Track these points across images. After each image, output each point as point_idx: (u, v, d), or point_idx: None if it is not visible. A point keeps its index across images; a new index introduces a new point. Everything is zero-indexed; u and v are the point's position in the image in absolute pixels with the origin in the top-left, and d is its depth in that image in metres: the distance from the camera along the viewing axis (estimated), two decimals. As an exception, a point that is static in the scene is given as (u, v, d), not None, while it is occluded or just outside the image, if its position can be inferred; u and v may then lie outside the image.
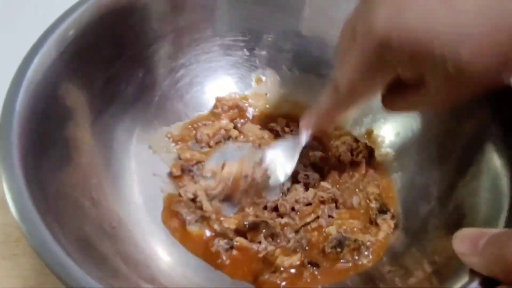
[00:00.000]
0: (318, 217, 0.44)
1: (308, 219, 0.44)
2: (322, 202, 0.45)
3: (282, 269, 0.40)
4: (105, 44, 0.42)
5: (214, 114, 0.52)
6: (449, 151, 0.43)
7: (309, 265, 0.41)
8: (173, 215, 0.44)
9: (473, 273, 0.30)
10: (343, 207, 0.46)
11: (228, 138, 0.51)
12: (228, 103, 0.52)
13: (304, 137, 0.44)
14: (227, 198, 0.45)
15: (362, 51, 0.33)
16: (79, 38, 0.39)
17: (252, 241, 0.43)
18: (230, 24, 0.50)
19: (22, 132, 0.33)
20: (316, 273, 0.41)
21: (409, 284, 0.36)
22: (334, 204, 0.45)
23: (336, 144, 0.51)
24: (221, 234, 0.43)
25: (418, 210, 0.43)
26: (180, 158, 0.48)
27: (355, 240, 0.42)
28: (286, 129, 0.52)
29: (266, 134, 0.51)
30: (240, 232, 0.43)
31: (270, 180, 0.45)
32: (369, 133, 0.51)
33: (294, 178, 0.48)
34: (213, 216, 0.44)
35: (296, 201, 0.45)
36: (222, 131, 0.51)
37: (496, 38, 0.28)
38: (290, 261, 0.41)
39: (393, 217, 0.44)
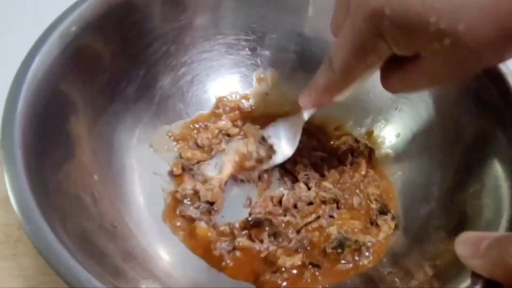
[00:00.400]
0: (319, 217, 0.44)
1: (309, 219, 0.44)
2: (323, 202, 0.45)
3: (283, 269, 0.40)
4: (107, 42, 0.42)
5: (214, 115, 0.51)
6: (451, 154, 0.43)
7: (310, 266, 0.41)
8: (177, 214, 0.44)
9: (475, 276, 0.31)
10: (344, 208, 0.46)
11: (227, 135, 0.51)
12: (229, 104, 0.52)
13: (305, 114, 0.44)
14: (233, 177, 0.46)
15: (354, 25, 0.32)
16: (82, 35, 0.39)
17: (255, 238, 0.43)
18: (233, 23, 0.50)
19: (24, 129, 0.33)
20: (317, 273, 0.41)
21: (410, 286, 0.36)
22: (335, 205, 0.45)
23: (336, 144, 0.51)
24: (226, 234, 0.43)
25: (418, 211, 0.43)
26: (181, 157, 0.48)
27: (356, 241, 0.42)
28: None
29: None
30: (243, 228, 0.44)
31: (275, 156, 0.46)
32: (370, 133, 0.51)
33: (294, 177, 0.48)
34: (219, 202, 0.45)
35: (299, 198, 0.45)
36: (222, 132, 0.51)
37: (496, 7, 0.27)
38: (292, 262, 0.41)
39: (393, 218, 0.45)
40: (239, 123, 0.52)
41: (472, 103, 0.42)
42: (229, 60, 0.52)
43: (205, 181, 0.46)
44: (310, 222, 0.44)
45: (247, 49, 0.52)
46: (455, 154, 0.43)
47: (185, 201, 0.45)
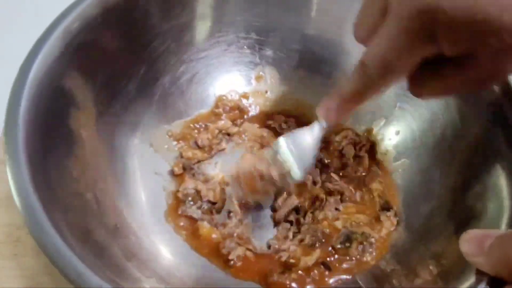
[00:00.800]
0: (322, 207, 0.45)
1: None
2: (329, 193, 0.45)
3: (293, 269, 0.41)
4: (108, 39, 0.42)
5: (214, 114, 0.51)
6: (451, 152, 0.44)
7: (322, 266, 0.41)
8: (179, 214, 0.44)
9: (479, 274, 0.31)
10: (348, 200, 0.46)
11: (227, 135, 0.51)
12: (229, 104, 0.52)
13: (322, 126, 0.39)
14: (241, 199, 0.44)
15: (402, 23, 0.28)
16: (84, 31, 0.39)
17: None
18: (233, 21, 0.50)
19: (27, 126, 0.33)
20: (326, 273, 0.41)
21: (414, 284, 0.36)
22: (339, 197, 0.46)
23: (336, 138, 0.50)
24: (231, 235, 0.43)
25: (419, 209, 0.44)
26: (182, 157, 0.48)
27: (362, 233, 0.42)
28: (284, 125, 0.52)
29: (265, 133, 0.51)
30: None
31: (288, 177, 0.40)
32: (369, 131, 0.51)
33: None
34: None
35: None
36: (222, 132, 0.51)
37: None
38: (312, 259, 0.41)
39: (396, 214, 0.45)
40: (239, 122, 0.52)
41: (472, 102, 0.42)
42: (228, 58, 0.52)
43: (206, 180, 0.46)
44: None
45: (246, 47, 0.52)
46: (456, 152, 0.43)
47: (186, 200, 0.45)
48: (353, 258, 0.42)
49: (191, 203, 0.45)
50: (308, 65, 0.52)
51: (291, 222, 0.44)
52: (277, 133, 0.51)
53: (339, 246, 0.42)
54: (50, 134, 0.35)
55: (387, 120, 0.50)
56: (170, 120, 0.49)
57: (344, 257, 0.42)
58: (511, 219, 0.35)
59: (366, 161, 0.48)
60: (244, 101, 0.53)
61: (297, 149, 0.40)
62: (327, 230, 0.43)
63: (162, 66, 0.48)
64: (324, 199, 0.45)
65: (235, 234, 0.42)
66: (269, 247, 0.43)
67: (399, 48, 0.29)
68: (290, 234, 0.43)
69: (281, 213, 0.44)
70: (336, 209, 0.45)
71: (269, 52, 0.52)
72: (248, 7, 0.50)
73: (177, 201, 0.45)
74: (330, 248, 0.43)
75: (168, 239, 0.42)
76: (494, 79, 0.31)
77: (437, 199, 0.42)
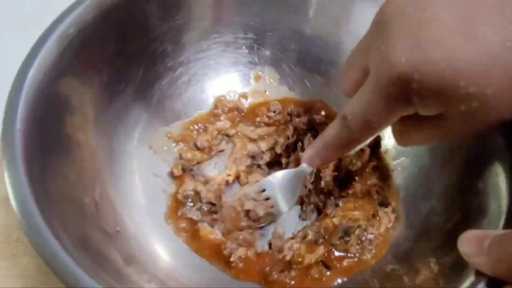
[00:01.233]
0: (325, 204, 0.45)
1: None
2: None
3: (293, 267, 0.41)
4: (104, 43, 0.42)
5: (213, 115, 0.51)
6: (450, 152, 0.43)
7: (321, 265, 0.41)
8: (179, 216, 0.44)
9: (479, 274, 0.31)
10: (346, 194, 0.46)
11: (227, 136, 0.51)
12: (228, 105, 0.52)
13: (307, 169, 0.41)
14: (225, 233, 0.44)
15: (379, 87, 0.31)
16: (80, 36, 0.39)
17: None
18: (231, 21, 0.50)
19: (25, 131, 0.33)
20: (326, 273, 0.41)
21: (417, 282, 0.37)
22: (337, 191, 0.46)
23: None
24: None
25: (419, 207, 0.44)
26: (181, 158, 0.48)
27: (359, 226, 0.42)
28: (271, 114, 0.51)
29: (258, 130, 0.51)
30: None
31: (273, 212, 0.43)
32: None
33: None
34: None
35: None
36: (222, 132, 0.51)
37: None
38: (317, 255, 0.41)
39: (393, 210, 0.45)
40: (236, 121, 0.52)
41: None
42: (226, 59, 0.52)
43: (206, 182, 0.46)
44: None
45: (244, 47, 0.52)
46: (455, 151, 0.43)
47: (186, 202, 0.45)
48: (353, 256, 0.42)
49: (191, 204, 0.45)
50: (307, 64, 0.52)
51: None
52: (269, 125, 0.51)
53: (337, 242, 0.42)
54: (48, 138, 0.35)
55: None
56: (169, 121, 0.49)
57: (344, 255, 0.42)
58: (510, 218, 0.35)
59: (366, 155, 0.47)
60: (243, 101, 0.53)
61: (283, 187, 0.43)
62: (330, 226, 0.43)
63: (160, 68, 0.48)
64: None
65: (241, 237, 0.43)
66: (270, 246, 0.43)
67: (377, 108, 0.32)
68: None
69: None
70: (336, 205, 0.45)
71: (267, 52, 0.52)
72: (246, 8, 0.50)
73: (177, 203, 0.45)
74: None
75: (168, 241, 0.42)
76: (466, 134, 0.33)
77: (436, 198, 0.42)
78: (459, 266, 0.33)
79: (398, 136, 0.36)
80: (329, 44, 0.50)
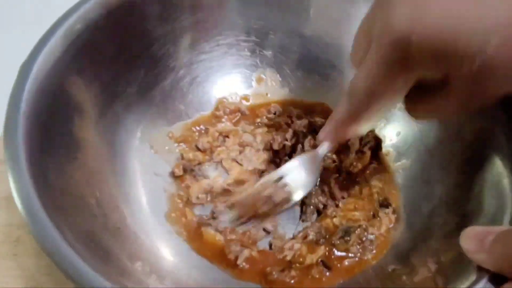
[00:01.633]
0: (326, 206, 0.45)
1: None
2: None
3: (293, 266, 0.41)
4: (110, 41, 0.42)
5: (215, 116, 0.51)
6: (451, 152, 0.44)
7: (321, 265, 0.41)
8: (182, 215, 0.44)
9: (480, 271, 0.31)
10: (347, 195, 0.46)
11: (228, 137, 0.51)
12: (230, 107, 0.52)
13: (323, 149, 0.41)
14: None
15: (380, 52, 0.31)
16: (86, 32, 0.39)
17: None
18: (233, 24, 0.50)
19: (28, 127, 0.33)
20: (326, 273, 0.41)
21: (415, 281, 0.36)
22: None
23: None
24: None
25: (420, 208, 0.44)
26: (182, 158, 0.48)
27: (360, 226, 0.42)
28: (271, 115, 0.52)
29: (257, 130, 0.51)
30: None
31: (291, 199, 0.42)
32: (371, 131, 0.51)
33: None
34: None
35: None
36: (223, 134, 0.51)
37: None
38: (317, 255, 0.41)
39: (394, 211, 0.45)
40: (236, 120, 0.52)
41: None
42: (228, 61, 0.52)
43: (207, 183, 0.46)
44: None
45: (246, 49, 0.52)
46: (456, 152, 0.43)
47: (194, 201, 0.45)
48: (354, 255, 0.42)
49: (196, 207, 0.45)
50: (308, 66, 0.52)
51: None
52: (270, 127, 0.51)
53: (338, 242, 0.42)
54: (51, 135, 0.35)
55: (387, 121, 0.50)
56: (171, 122, 0.49)
57: (345, 255, 0.42)
58: (512, 216, 0.35)
59: (367, 158, 0.47)
60: (245, 103, 0.53)
61: (301, 172, 0.42)
62: (331, 226, 0.43)
63: (162, 69, 0.48)
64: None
65: (247, 234, 0.43)
66: (270, 246, 0.43)
67: (379, 75, 0.32)
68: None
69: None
70: (337, 205, 0.45)
71: (269, 55, 0.53)
72: (248, 10, 0.50)
73: (179, 203, 0.45)
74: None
75: (169, 240, 0.42)
76: (472, 105, 0.32)
77: (438, 199, 0.42)
78: (458, 267, 0.33)
79: (409, 108, 0.36)
80: (330, 46, 0.50)
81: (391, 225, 0.44)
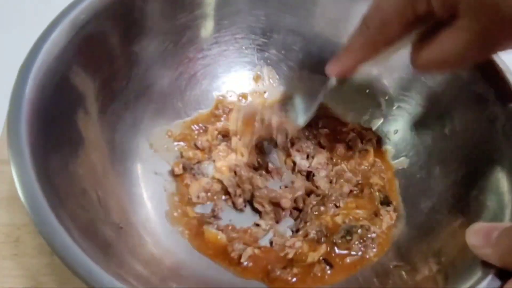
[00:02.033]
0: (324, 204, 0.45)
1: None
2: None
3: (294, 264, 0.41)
4: (112, 34, 0.42)
5: (214, 115, 0.51)
6: (449, 150, 0.44)
7: (323, 263, 0.41)
8: (183, 214, 0.44)
9: (486, 266, 0.31)
10: (352, 194, 0.46)
11: (227, 136, 0.51)
12: (229, 105, 0.52)
13: (330, 82, 0.42)
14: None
15: None
16: (90, 24, 0.39)
17: None
18: (232, 22, 0.50)
19: (31, 119, 0.32)
20: (329, 272, 0.41)
21: (416, 280, 0.37)
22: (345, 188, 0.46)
23: (344, 130, 0.51)
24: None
25: (420, 205, 0.44)
26: (182, 157, 0.48)
27: (362, 226, 0.42)
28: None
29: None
30: None
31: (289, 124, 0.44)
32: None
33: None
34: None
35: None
36: (222, 133, 0.51)
37: None
38: (319, 253, 0.41)
39: (395, 209, 0.45)
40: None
41: (470, 100, 0.43)
42: (227, 59, 0.52)
43: (207, 181, 0.46)
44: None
45: (245, 48, 0.52)
46: (455, 149, 0.44)
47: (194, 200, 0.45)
48: (355, 253, 0.42)
49: (197, 205, 0.45)
50: (307, 65, 0.52)
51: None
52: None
53: (340, 241, 0.42)
54: (54, 127, 0.35)
55: (385, 119, 0.50)
56: (170, 120, 0.49)
57: (347, 252, 0.42)
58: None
59: (371, 155, 0.48)
60: (243, 101, 0.53)
61: (304, 97, 0.45)
62: (330, 224, 0.43)
63: (160, 67, 0.48)
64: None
65: (249, 231, 0.43)
66: (271, 244, 0.43)
67: (393, 3, 0.33)
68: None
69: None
70: (336, 206, 0.45)
71: (267, 53, 0.53)
72: (247, 9, 0.50)
73: (180, 202, 0.45)
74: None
75: (171, 238, 0.42)
76: (478, 52, 0.32)
77: (437, 196, 0.43)
78: (459, 263, 0.33)
79: (415, 55, 0.36)
80: (329, 45, 0.50)
81: (392, 223, 0.44)
